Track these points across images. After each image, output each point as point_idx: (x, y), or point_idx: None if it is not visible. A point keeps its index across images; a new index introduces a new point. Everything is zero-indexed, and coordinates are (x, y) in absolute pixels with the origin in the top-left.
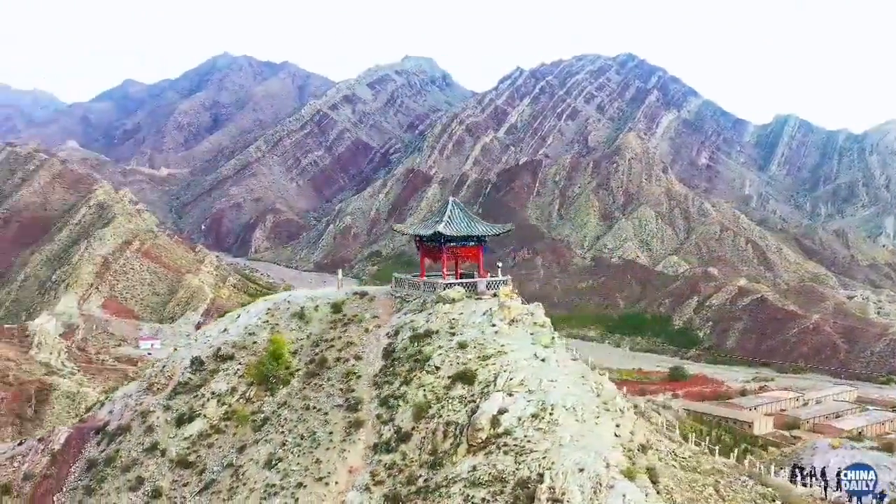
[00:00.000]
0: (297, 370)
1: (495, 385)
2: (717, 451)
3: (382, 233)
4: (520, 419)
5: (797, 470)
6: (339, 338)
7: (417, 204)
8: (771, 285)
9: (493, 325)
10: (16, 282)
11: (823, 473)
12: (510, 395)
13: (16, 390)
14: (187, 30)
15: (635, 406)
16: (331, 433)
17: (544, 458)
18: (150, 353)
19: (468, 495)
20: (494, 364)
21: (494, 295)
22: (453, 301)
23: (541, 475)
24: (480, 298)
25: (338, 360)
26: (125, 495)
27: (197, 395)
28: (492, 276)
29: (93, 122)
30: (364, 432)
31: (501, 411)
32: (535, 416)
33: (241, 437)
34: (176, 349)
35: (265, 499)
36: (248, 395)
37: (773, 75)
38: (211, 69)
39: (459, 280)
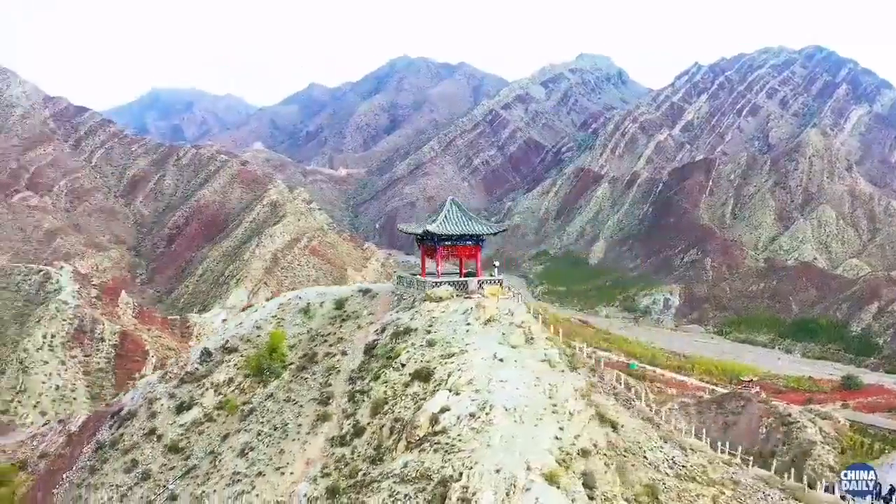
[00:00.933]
0: (291, 364)
1: (445, 383)
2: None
3: (551, 232)
4: (458, 418)
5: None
6: (334, 334)
7: (586, 203)
8: None
9: (468, 324)
10: (194, 276)
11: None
12: (457, 393)
13: None
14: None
15: (638, 409)
16: (300, 425)
17: (469, 457)
18: None
19: (395, 491)
20: (453, 363)
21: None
22: (440, 300)
23: (461, 475)
24: (469, 297)
25: (326, 354)
26: (120, 476)
27: (200, 385)
28: (489, 275)
29: (279, 124)
30: (328, 426)
31: (443, 409)
32: (472, 415)
33: (227, 426)
34: None
35: (229, 485)
36: (242, 386)
37: None
38: (390, 71)
39: (448, 279)
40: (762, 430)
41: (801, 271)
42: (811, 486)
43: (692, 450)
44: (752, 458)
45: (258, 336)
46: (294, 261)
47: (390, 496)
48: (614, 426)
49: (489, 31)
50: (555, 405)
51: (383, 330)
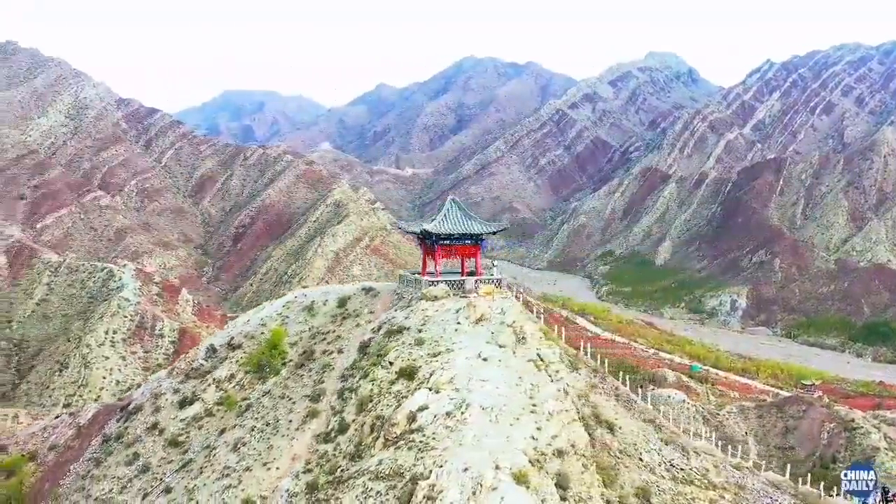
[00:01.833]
0: (290, 361)
1: (427, 382)
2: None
3: (616, 232)
4: (434, 416)
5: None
6: (333, 332)
7: (654, 203)
8: None
9: (458, 323)
10: (258, 274)
11: None
12: (437, 392)
13: None
14: (437, 34)
15: (640, 410)
16: (290, 421)
17: (440, 455)
18: None
19: (368, 488)
20: (437, 361)
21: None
22: (435, 298)
23: (430, 472)
24: (465, 297)
25: (324, 352)
26: (122, 469)
27: (203, 381)
28: (489, 275)
29: (347, 124)
30: (316, 422)
31: (421, 408)
32: (448, 414)
33: (225, 422)
34: None
35: (219, 479)
36: (242, 382)
37: None
38: (457, 72)
39: (446, 278)
40: (824, 436)
41: (873, 273)
42: (829, 490)
43: (696, 453)
44: (812, 463)
45: (262, 333)
46: (355, 260)
47: (363, 492)
48: (611, 427)
49: (557, 31)
50: (534, 405)
51: (379, 328)
